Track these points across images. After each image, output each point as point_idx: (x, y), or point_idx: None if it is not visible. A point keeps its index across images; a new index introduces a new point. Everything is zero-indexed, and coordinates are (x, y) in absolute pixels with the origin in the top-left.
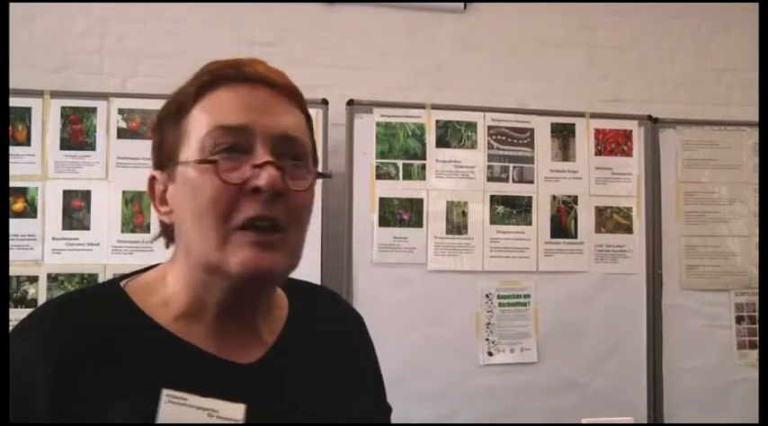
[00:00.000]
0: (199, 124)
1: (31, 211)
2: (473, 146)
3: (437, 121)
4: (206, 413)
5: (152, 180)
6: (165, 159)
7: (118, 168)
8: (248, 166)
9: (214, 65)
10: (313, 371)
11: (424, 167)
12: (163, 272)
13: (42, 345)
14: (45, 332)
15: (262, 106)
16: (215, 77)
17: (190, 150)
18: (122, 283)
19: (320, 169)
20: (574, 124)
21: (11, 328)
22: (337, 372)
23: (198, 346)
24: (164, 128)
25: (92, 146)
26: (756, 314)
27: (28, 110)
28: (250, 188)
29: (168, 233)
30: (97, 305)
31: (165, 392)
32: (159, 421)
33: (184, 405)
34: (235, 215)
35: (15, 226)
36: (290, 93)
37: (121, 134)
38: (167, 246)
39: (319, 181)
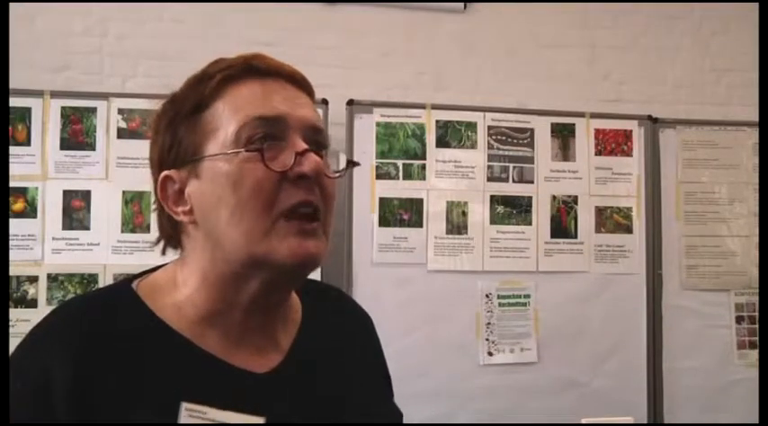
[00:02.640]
0: (228, 117)
1: (31, 211)
2: (473, 146)
3: (437, 121)
4: None
5: (165, 180)
6: (181, 157)
7: (118, 168)
8: (288, 154)
9: (229, 61)
10: (329, 378)
11: (424, 167)
12: (172, 274)
13: (57, 353)
14: (59, 340)
15: (290, 98)
16: (239, 71)
17: (219, 143)
18: (134, 284)
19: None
20: (574, 124)
21: (11, 329)
22: (352, 377)
23: (214, 354)
24: (177, 127)
25: (92, 146)
26: (756, 314)
27: (28, 111)
28: (294, 175)
29: (174, 236)
30: (110, 309)
31: (184, 405)
32: None
33: (203, 419)
34: (277, 203)
35: (15, 226)
36: (308, 88)
37: (121, 134)
38: (164, 252)
39: None
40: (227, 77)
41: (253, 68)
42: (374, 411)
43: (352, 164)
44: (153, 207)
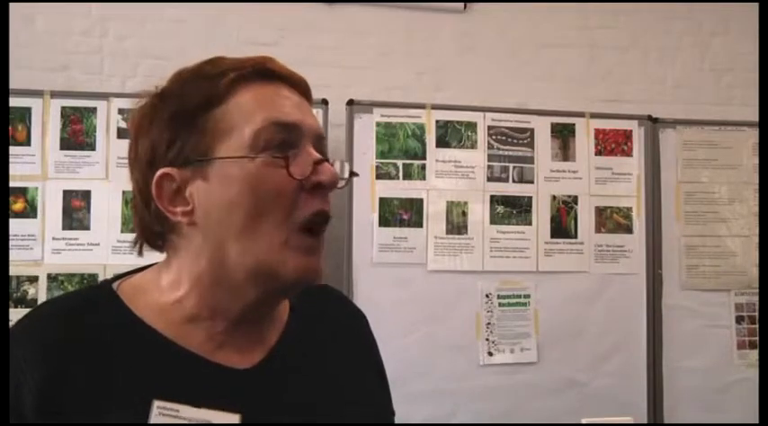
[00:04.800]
0: (245, 117)
1: (30, 211)
2: (473, 146)
3: (437, 121)
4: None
5: (163, 177)
6: (185, 155)
7: (118, 168)
8: (304, 163)
9: (233, 61)
10: (313, 375)
11: (424, 167)
12: (156, 275)
13: (32, 350)
14: (35, 338)
15: (300, 106)
16: (253, 72)
17: (234, 144)
18: (115, 285)
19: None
20: (574, 124)
21: None
22: (339, 375)
23: (193, 351)
24: (178, 124)
25: (92, 146)
26: (756, 314)
27: (28, 111)
28: (311, 184)
29: (158, 236)
30: (88, 308)
31: (155, 403)
32: None
33: (176, 417)
34: (295, 212)
35: (15, 226)
36: (310, 96)
37: (121, 134)
38: (141, 253)
39: None
40: (240, 77)
41: (266, 71)
42: (362, 408)
43: (353, 174)
44: (130, 204)
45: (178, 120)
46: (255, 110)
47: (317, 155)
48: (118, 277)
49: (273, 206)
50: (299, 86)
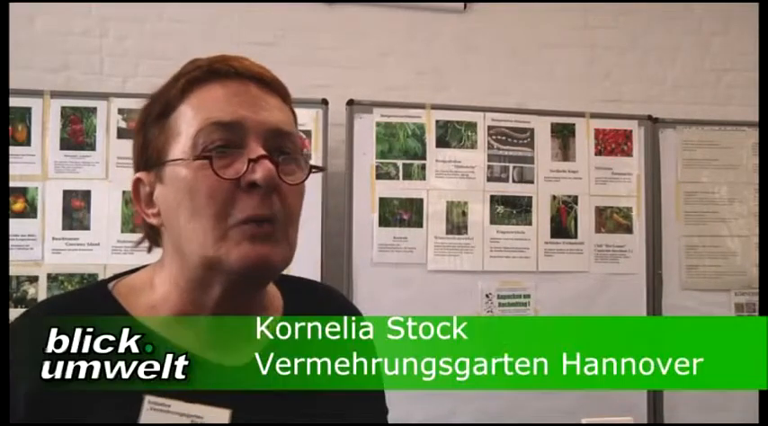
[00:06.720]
0: (188, 121)
1: (30, 211)
2: (473, 146)
3: (437, 121)
4: (189, 420)
5: (137, 182)
6: (150, 160)
7: (118, 168)
8: (242, 161)
9: (198, 62)
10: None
11: (424, 167)
12: (150, 274)
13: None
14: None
15: (253, 101)
16: (203, 73)
17: (180, 148)
18: (110, 285)
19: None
20: (574, 124)
21: None
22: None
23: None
24: (147, 129)
25: (92, 146)
26: (756, 314)
27: (28, 111)
28: (246, 183)
29: (153, 236)
30: (84, 308)
31: (147, 398)
32: None
33: (167, 412)
34: (232, 212)
35: (15, 226)
36: (279, 89)
37: (121, 134)
38: (150, 251)
39: (319, 181)
40: (192, 80)
41: (216, 71)
42: (354, 406)
43: (315, 168)
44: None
45: (147, 125)
46: (198, 113)
47: (259, 152)
48: (115, 276)
49: (208, 206)
50: (260, 80)
